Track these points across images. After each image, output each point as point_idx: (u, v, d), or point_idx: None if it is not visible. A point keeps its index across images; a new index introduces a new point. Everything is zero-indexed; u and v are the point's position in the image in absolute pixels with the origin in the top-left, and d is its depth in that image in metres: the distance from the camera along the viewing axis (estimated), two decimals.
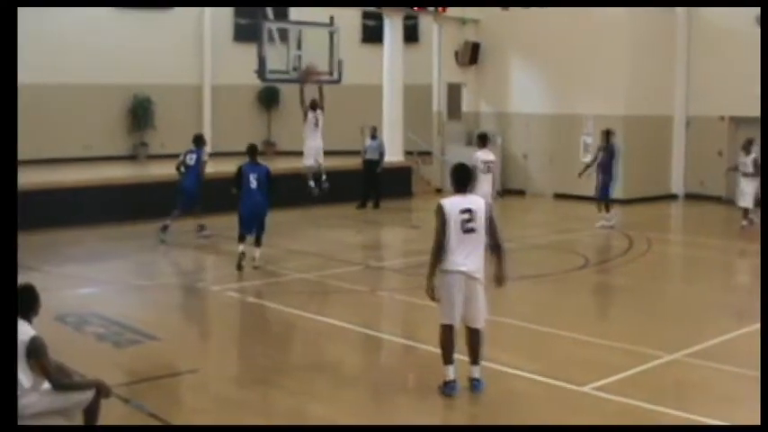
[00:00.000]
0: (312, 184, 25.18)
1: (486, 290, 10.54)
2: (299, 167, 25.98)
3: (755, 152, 23.84)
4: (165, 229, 21.67)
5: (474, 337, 10.59)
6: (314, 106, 24.99)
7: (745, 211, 23.64)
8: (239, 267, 18.13)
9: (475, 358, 10.62)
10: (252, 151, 18.65)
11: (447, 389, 10.42)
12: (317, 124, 24.92)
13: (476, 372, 10.58)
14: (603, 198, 24.26)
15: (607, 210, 24.18)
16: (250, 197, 18.14)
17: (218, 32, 34.92)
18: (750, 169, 23.57)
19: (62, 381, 8.11)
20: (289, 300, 15.93)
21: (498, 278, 10.62)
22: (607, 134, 24.65)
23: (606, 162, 24.36)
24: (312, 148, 25.15)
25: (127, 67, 31.82)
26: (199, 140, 23.19)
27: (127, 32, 32.17)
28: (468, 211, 10.30)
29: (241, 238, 18.34)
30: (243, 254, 18.22)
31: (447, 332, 10.49)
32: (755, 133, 29.83)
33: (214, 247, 21.45)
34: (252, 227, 18.38)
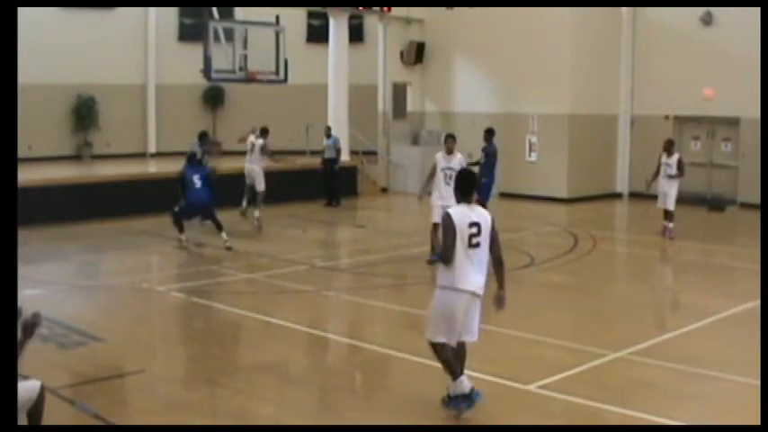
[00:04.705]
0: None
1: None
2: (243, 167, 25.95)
3: (678, 153, 23.39)
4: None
5: (462, 349, 10.02)
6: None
7: (670, 214, 22.88)
8: (182, 248, 20.76)
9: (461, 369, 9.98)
10: (192, 157, 21.20)
11: (474, 396, 9.75)
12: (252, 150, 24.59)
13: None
14: (485, 200, 23.64)
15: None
16: (196, 195, 20.42)
17: (162, 32, 34.81)
18: (674, 171, 22.75)
19: None
20: (234, 300, 15.91)
21: (500, 298, 9.85)
22: (488, 133, 23.58)
23: (485, 163, 23.30)
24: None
25: (70, 66, 31.66)
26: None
27: (70, 32, 32.00)
28: (476, 224, 9.60)
29: (181, 229, 20.85)
30: (184, 240, 20.94)
31: (445, 349, 9.79)
32: (700, 132, 30.30)
33: (158, 247, 21.32)
34: (193, 216, 21.16)
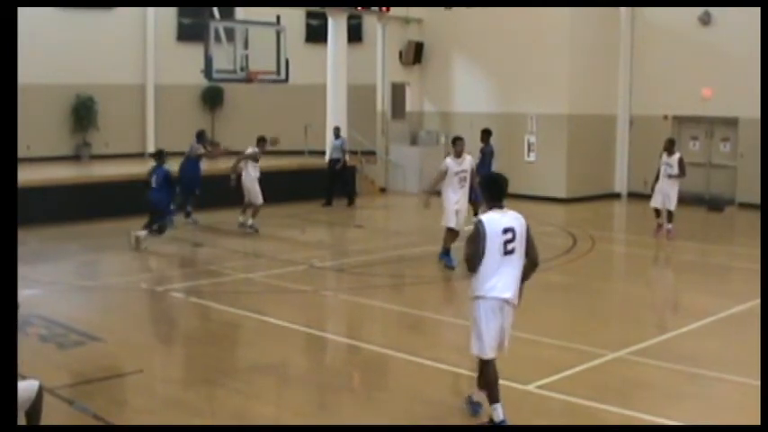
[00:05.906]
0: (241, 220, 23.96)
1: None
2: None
3: (679, 152, 23.17)
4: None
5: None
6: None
7: (669, 214, 22.86)
8: (137, 249, 20.72)
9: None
10: (158, 155, 21.66)
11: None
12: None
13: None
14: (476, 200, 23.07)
15: (475, 213, 23.10)
16: (149, 194, 21.05)
17: (161, 32, 34.79)
18: (675, 171, 22.54)
19: None
20: (233, 300, 15.90)
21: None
22: (485, 134, 23.25)
23: (481, 163, 22.83)
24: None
25: (69, 66, 31.64)
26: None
27: (69, 32, 31.98)
28: (510, 230, 9.13)
29: (147, 227, 21.11)
30: (142, 236, 21.03)
31: (491, 367, 9.47)
32: (698, 132, 30.27)
33: (156, 247, 21.28)
34: (150, 214, 21.26)
